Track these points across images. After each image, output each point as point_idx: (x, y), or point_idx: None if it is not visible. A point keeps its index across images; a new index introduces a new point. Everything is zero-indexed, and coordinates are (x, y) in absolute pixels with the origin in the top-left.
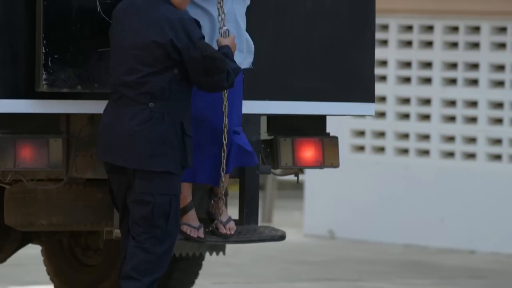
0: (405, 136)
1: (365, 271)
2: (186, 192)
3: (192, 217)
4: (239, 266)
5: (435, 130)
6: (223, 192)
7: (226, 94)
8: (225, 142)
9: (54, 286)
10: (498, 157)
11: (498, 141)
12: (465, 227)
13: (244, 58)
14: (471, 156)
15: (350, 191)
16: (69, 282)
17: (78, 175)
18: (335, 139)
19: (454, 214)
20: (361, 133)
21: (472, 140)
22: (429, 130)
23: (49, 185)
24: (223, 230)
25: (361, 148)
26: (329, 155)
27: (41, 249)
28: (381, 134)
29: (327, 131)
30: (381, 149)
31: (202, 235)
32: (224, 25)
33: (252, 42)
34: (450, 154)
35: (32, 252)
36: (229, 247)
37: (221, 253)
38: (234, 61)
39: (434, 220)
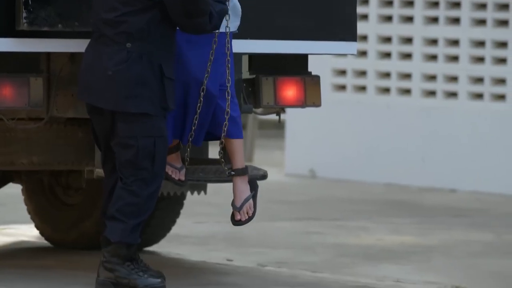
0: (387, 75)
1: (347, 211)
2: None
3: (175, 158)
4: (220, 206)
5: (417, 68)
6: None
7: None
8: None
9: (35, 225)
10: (479, 95)
11: (480, 80)
12: (447, 166)
13: (231, 21)
14: (452, 94)
15: (332, 131)
16: (50, 221)
17: (59, 114)
18: (317, 78)
19: (436, 153)
20: (343, 72)
21: (453, 78)
22: (410, 69)
23: (29, 124)
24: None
25: (342, 87)
26: (311, 94)
27: (22, 188)
28: (363, 73)
29: (309, 70)
30: (363, 88)
31: (183, 178)
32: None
33: (239, 6)
34: (432, 93)
35: (12, 192)
36: (210, 186)
37: (202, 192)
38: (222, 2)
39: (415, 159)
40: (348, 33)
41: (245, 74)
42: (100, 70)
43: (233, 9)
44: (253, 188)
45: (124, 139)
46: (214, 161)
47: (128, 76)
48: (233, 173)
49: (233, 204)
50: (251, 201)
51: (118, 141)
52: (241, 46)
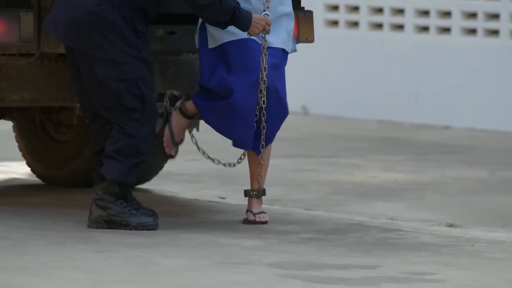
0: (379, 10)
1: (339, 148)
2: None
3: (180, 127)
4: (212, 144)
5: (409, 3)
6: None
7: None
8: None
9: (26, 163)
10: (473, 31)
11: (473, 15)
12: (440, 102)
13: (288, 40)
14: (445, 30)
15: (324, 67)
16: (41, 159)
17: (50, 50)
18: (309, 13)
19: (429, 89)
20: (335, 8)
21: (446, 14)
22: (403, 4)
23: (20, 60)
24: None
25: (335, 23)
26: (304, 30)
27: (13, 125)
28: (355, 9)
29: (302, 5)
30: (355, 24)
31: (173, 154)
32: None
33: (293, 36)
34: (425, 29)
35: (3, 128)
36: (203, 124)
37: (194, 129)
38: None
39: (408, 95)
40: None
41: None
42: (72, 9)
43: (287, 36)
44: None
45: (104, 82)
46: None
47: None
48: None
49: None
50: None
51: (100, 84)
52: None
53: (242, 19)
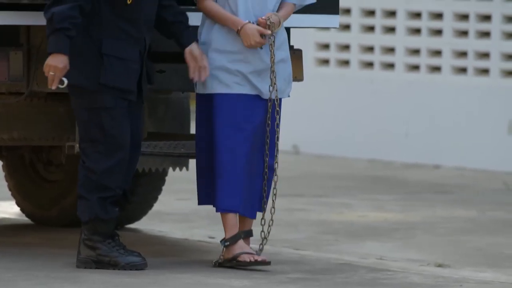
0: (370, 49)
1: (330, 187)
2: (233, 221)
3: (243, 245)
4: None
5: (400, 42)
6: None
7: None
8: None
9: (16, 202)
10: (463, 70)
11: (463, 54)
12: (430, 141)
13: (285, 87)
14: (436, 69)
15: (315, 105)
16: (31, 198)
17: (39, 89)
18: (299, 52)
19: (419, 128)
20: (326, 46)
21: (437, 52)
22: (394, 43)
23: (9, 99)
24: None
25: (325, 62)
26: (293, 68)
27: (2, 165)
28: (346, 47)
29: (291, 44)
30: (346, 63)
31: (264, 258)
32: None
33: (291, 74)
34: (415, 67)
35: None
36: (192, 162)
37: (184, 168)
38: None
39: (399, 134)
40: (330, 6)
41: None
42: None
43: (289, 77)
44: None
45: (73, 111)
46: (195, 137)
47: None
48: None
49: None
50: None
51: (74, 114)
52: None
53: (51, 41)
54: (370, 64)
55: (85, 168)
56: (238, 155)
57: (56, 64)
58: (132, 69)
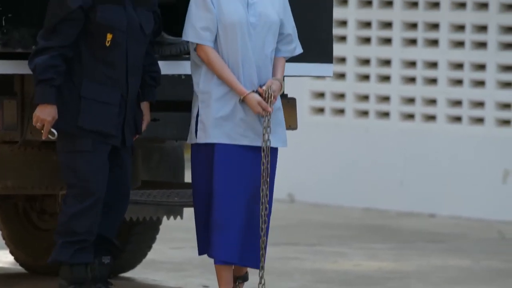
0: (365, 97)
1: (325, 235)
2: (228, 278)
3: None
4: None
5: (395, 91)
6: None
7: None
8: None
9: (10, 251)
10: (458, 119)
11: (458, 103)
12: (425, 190)
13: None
14: (431, 118)
15: (310, 154)
16: (24, 247)
17: (33, 138)
18: (292, 100)
19: (414, 177)
20: (321, 95)
21: (432, 101)
22: (389, 92)
23: (3, 148)
24: None
25: (320, 110)
26: (287, 117)
27: None
28: (341, 96)
29: (285, 92)
30: (341, 111)
31: None
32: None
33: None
34: (410, 116)
35: None
36: (186, 211)
37: (178, 217)
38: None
39: (394, 183)
40: (324, 55)
41: None
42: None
43: (280, 123)
44: None
45: (57, 154)
46: (189, 185)
47: None
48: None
49: None
50: None
51: None
52: None
53: (37, 92)
54: (365, 113)
55: (61, 212)
56: (238, 206)
57: (44, 117)
58: (112, 112)
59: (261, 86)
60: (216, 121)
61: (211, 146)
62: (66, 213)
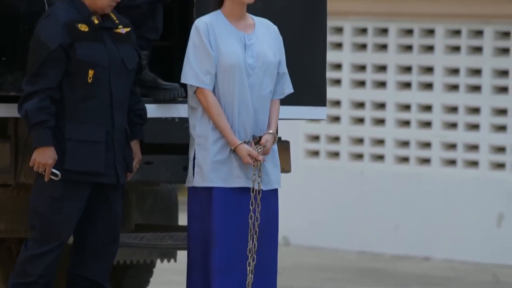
0: (360, 141)
1: (320, 278)
2: None
3: None
4: None
5: (390, 134)
6: None
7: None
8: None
9: None
10: (452, 162)
11: (452, 146)
12: (420, 233)
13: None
14: (425, 161)
15: (305, 197)
16: None
17: (26, 181)
18: (286, 143)
19: (409, 220)
20: (316, 138)
21: (426, 145)
22: (383, 135)
23: None
24: None
25: (315, 153)
26: (281, 160)
27: None
28: (336, 139)
29: (279, 135)
30: (336, 154)
31: None
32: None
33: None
34: (405, 159)
35: None
36: (180, 254)
37: (172, 260)
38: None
39: (389, 226)
40: (317, 98)
41: None
42: None
43: (275, 164)
44: None
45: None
46: (183, 228)
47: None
48: None
49: None
50: None
51: None
52: None
53: (33, 136)
54: (360, 156)
55: (21, 251)
56: (240, 249)
57: (45, 161)
58: (99, 150)
59: (254, 137)
60: (213, 165)
61: (208, 190)
62: (23, 254)
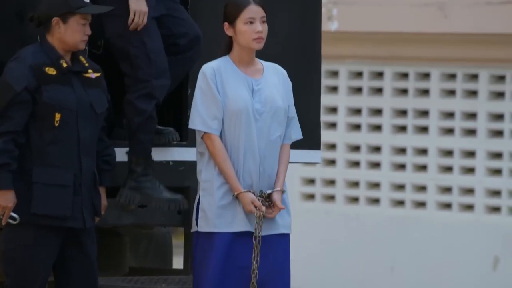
0: (355, 184)
1: None
2: None
3: None
4: None
5: (385, 178)
6: None
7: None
8: None
9: None
10: (448, 205)
11: (448, 190)
12: (416, 276)
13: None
14: (421, 204)
15: (300, 240)
16: None
17: None
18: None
19: (405, 263)
20: (311, 181)
21: (422, 188)
22: (379, 178)
23: None
24: None
25: (311, 196)
26: None
27: None
28: (331, 182)
29: None
30: (331, 197)
31: None
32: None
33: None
34: (400, 203)
35: None
36: None
37: None
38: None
39: (384, 269)
40: (312, 141)
41: None
42: None
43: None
44: None
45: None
46: (177, 272)
47: None
48: None
49: None
50: None
51: None
52: None
53: None
54: (355, 199)
55: None
56: None
57: (5, 204)
58: (66, 194)
59: (262, 193)
60: (218, 210)
61: (211, 234)
62: None
